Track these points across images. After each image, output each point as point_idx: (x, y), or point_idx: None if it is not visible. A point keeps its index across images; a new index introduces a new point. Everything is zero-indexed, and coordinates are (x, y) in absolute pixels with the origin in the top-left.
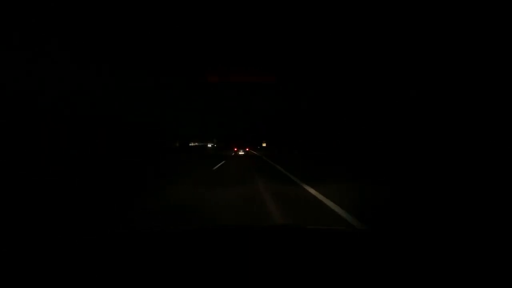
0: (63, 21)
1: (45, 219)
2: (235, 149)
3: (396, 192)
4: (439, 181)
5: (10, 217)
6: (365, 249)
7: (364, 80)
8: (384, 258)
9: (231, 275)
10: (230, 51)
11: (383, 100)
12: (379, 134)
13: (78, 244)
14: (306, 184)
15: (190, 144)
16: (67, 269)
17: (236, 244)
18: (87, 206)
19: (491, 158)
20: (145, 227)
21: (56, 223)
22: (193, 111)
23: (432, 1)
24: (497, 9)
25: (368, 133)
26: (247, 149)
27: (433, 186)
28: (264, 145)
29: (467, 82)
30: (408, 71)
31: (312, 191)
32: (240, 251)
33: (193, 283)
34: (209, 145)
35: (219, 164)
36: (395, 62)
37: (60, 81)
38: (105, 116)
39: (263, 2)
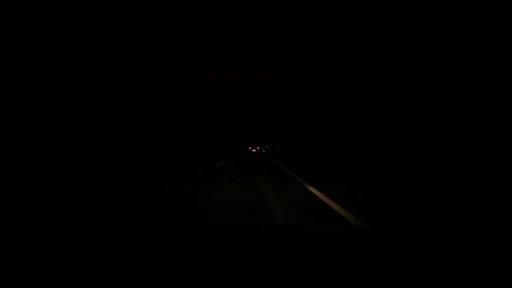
0: (63, 21)
1: (45, 219)
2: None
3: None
4: (441, 182)
5: (10, 217)
6: (365, 249)
7: (364, 80)
8: (385, 258)
9: (231, 276)
10: (230, 51)
11: (383, 100)
12: (379, 134)
13: (78, 244)
14: None
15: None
16: (67, 270)
17: (236, 245)
18: (85, 206)
19: (490, 158)
20: (146, 228)
21: (56, 223)
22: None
23: (431, 2)
24: (497, 9)
25: (368, 133)
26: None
27: (435, 186)
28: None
29: (466, 83)
30: (408, 71)
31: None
32: (240, 252)
33: (193, 283)
34: None
35: None
36: (395, 62)
37: (60, 81)
38: (105, 116)
39: (263, 2)
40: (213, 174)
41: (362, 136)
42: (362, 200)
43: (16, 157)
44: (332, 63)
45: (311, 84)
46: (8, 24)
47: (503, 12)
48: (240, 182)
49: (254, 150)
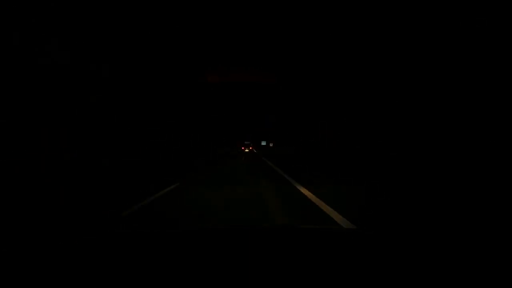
0: (62, 21)
1: (45, 219)
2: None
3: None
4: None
5: (10, 217)
6: (365, 249)
7: (364, 80)
8: (382, 258)
9: (231, 276)
10: (230, 51)
11: (383, 100)
12: (379, 133)
13: (78, 244)
14: None
15: None
16: (67, 270)
17: (236, 245)
18: (84, 206)
19: (488, 160)
20: (146, 228)
21: (56, 223)
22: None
23: (431, 2)
24: (497, 9)
25: (368, 133)
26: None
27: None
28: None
29: (466, 83)
30: (408, 71)
31: None
32: (240, 252)
33: (193, 284)
34: None
35: None
36: (394, 62)
37: (60, 81)
38: (105, 116)
39: (263, 2)
40: None
41: (362, 136)
42: None
43: (16, 157)
44: (332, 63)
45: (311, 84)
46: (8, 24)
47: (503, 12)
48: None
49: (246, 150)
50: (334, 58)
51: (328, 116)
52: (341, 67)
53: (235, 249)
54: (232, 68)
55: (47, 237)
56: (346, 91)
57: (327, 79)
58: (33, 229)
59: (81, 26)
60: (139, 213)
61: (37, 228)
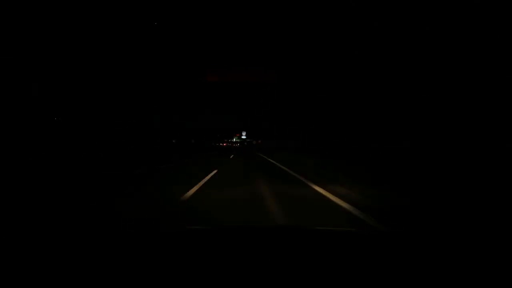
0: (64, 19)
1: (45, 217)
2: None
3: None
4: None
5: (10, 216)
6: (366, 250)
7: (363, 79)
8: (384, 260)
9: (232, 276)
10: (230, 51)
11: (382, 99)
12: (378, 131)
13: (80, 244)
14: None
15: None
16: (68, 269)
17: (238, 244)
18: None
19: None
20: (146, 226)
21: (56, 221)
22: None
23: (431, 2)
24: (497, 9)
25: (367, 132)
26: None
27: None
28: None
29: (466, 83)
30: (407, 71)
31: None
32: (242, 252)
33: (194, 283)
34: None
35: None
36: (395, 61)
37: (59, 81)
38: (106, 115)
39: (263, 2)
40: None
41: (362, 134)
42: None
43: (17, 158)
44: (332, 62)
45: (311, 83)
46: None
47: (503, 12)
48: None
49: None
50: (334, 58)
51: (328, 114)
52: (341, 66)
53: (235, 249)
54: (232, 68)
55: (47, 237)
56: (346, 90)
57: (327, 78)
58: (33, 228)
59: (82, 26)
60: None
61: (37, 227)
